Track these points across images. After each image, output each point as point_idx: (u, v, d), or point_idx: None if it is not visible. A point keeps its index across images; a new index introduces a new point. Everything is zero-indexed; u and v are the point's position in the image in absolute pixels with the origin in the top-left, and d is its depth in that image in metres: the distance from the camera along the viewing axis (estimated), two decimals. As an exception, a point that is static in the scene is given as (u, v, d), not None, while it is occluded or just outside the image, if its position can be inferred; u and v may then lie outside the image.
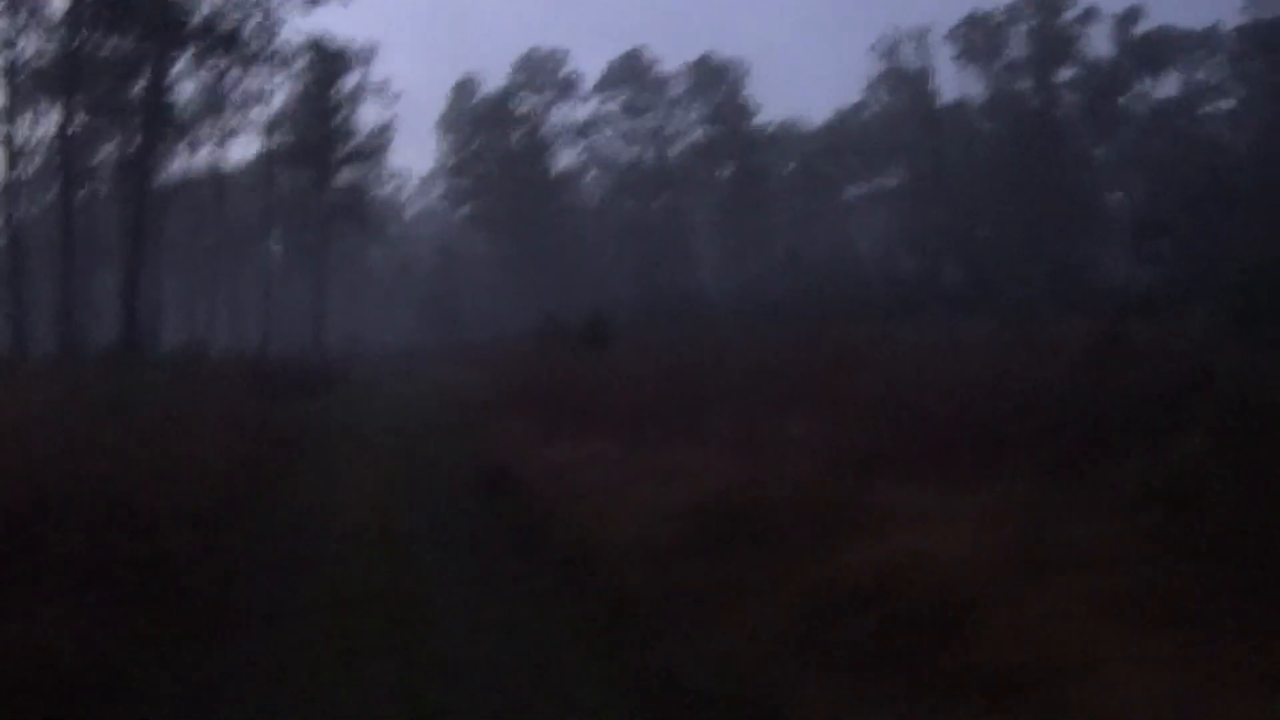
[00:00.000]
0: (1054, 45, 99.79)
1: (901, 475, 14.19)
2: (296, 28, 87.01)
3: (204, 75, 74.89)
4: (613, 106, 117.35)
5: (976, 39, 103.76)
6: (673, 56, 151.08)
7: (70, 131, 58.49)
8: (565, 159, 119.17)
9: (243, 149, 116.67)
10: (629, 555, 13.44)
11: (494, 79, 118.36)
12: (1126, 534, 10.53)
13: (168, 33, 59.32)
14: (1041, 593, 9.48)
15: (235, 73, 77.53)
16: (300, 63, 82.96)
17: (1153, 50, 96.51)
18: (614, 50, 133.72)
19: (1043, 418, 15.12)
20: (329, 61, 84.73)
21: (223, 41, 68.16)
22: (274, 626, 12.34)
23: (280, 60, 79.67)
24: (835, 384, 22.40)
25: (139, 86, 62.04)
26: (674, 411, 22.93)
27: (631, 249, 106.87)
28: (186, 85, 72.94)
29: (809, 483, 14.08)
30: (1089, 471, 12.76)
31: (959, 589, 9.71)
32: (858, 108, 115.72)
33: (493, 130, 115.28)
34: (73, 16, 56.05)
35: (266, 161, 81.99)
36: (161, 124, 63.80)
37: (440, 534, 17.71)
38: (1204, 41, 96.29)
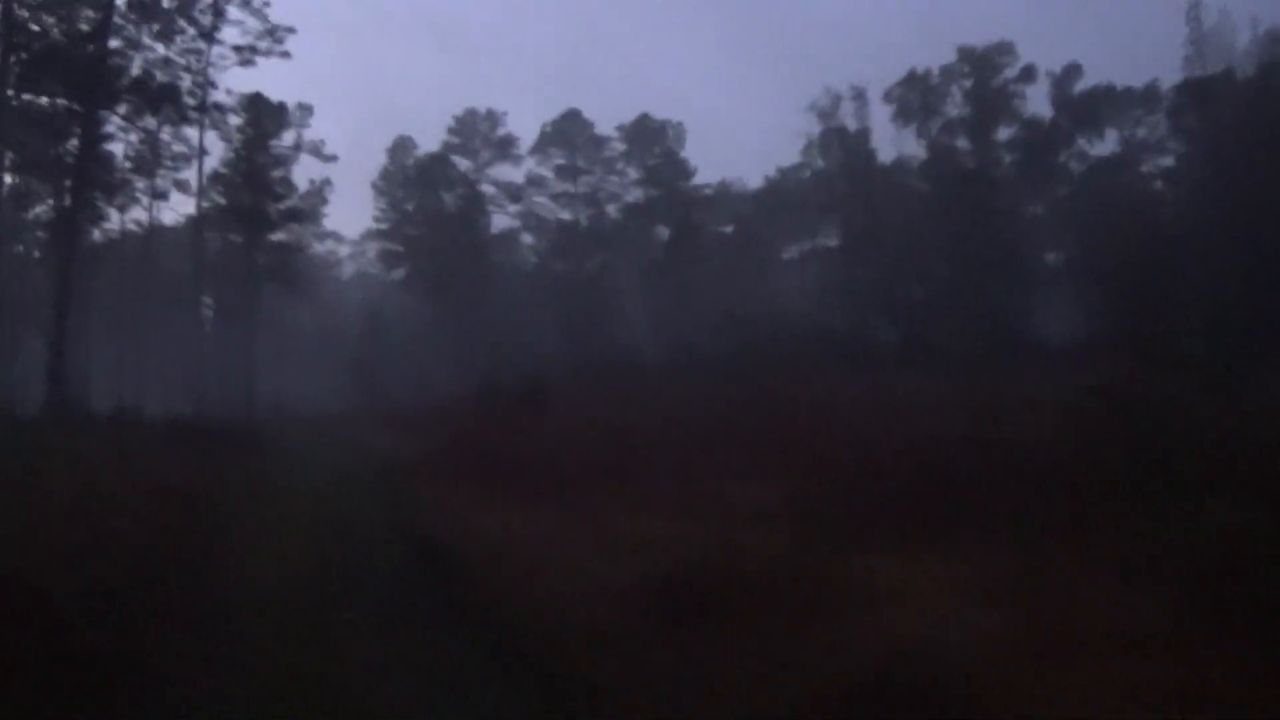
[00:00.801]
0: (991, 104, 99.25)
1: (868, 542, 13.24)
2: (229, 88, 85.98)
3: (135, 135, 74.02)
4: (546, 170, 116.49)
5: (914, 98, 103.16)
6: (607, 120, 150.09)
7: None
8: (500, 221, 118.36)
9: (173, 212, 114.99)
10: (587, 639, 12.32)
11: (428, 142, 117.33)
12: (1148, 611, 9.42)
13: (98, 91, 58.11)
14: (1075, 684, 8.34)
15: (168, 131, 76.65)
16: (236, 120, 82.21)
17: (1091, 108, 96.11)
18: (549, 113, 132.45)
19: (1013, 478, 14.12)
20: (266, 117, 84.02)
21: (155, 99, 67.11)
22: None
23: (216, 116, 78.83)
24: (782, 443, 21.46)
25: (69, 145, 60.78)
26: (617, 474, 21.92)
27: (565, 309, 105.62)
28: (118, 145, 72.07)
29: (775, 553, 13.08)
30: (1075, 537, 11.73)
31: (978, 682, 8.57)
32: (794, 169, 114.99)
33: (427, 191, 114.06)
34: (1, 71, 54.80)
35: (198, 221, 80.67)
36: (90, 183, 62.62)
37: (374, 612, 16.33)
38: (1143, 100, 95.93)
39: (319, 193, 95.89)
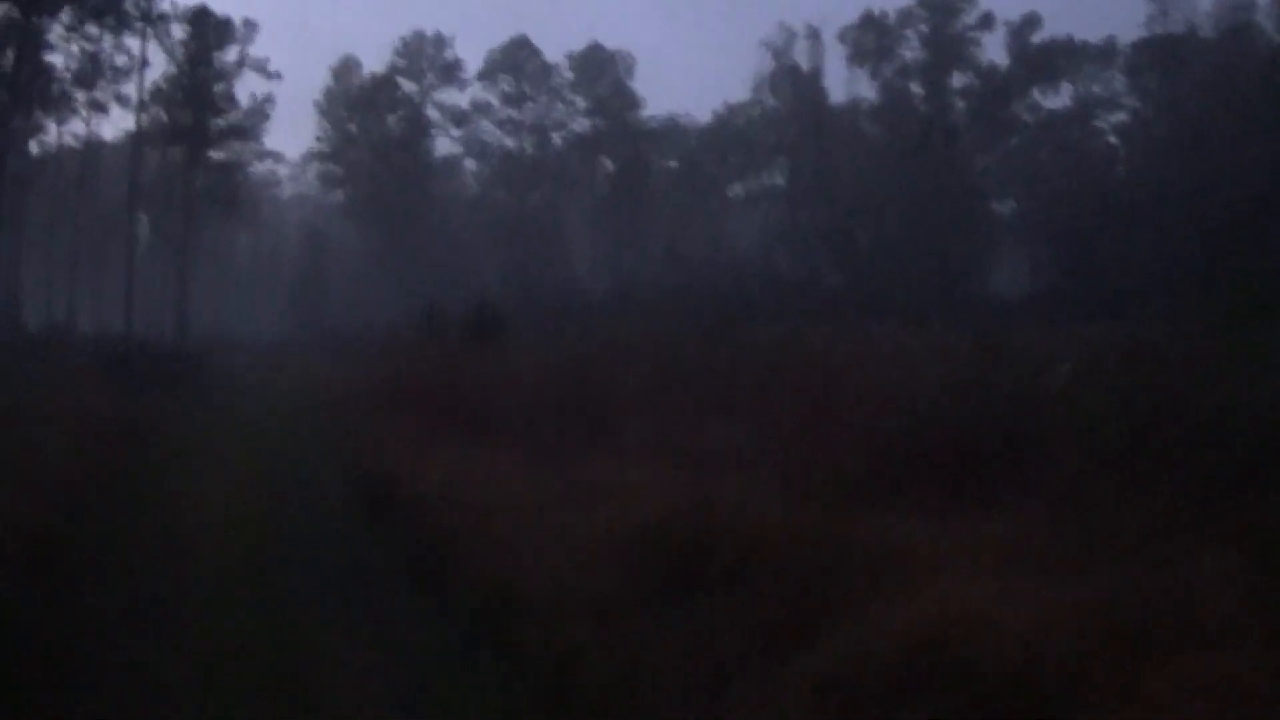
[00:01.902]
0: (947, 50, 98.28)
1: (877, 498, 11.80)
2: (174, 1, 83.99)
3: (75, 46, 72.10)
4: (493, 97, 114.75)
5: (869, 41, 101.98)
6: (556, 49, 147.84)
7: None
8: (443, 147, 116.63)
9: (112, 127, 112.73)
10: (561, 601, 10.75)
11: (373, 64, 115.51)
12: (1216, 592, 8.01)
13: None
14: (1167, 680, 6.91)
15: (108, 42, 74.64)
16: (179, 34, 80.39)
17: (1048, 60, 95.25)
18: (495, 40, 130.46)
19: (1040, 434, 12.71)
20: (211, 31, 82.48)
21: (98, 7, 65.16)
22: (116, 698, 9.67)
23: (159, 27, 76.86)
24: (752, 387, 20.03)
25: (8, 57, 58.82)
26: (576, 413, 20.37)
27: (507, 242, 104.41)
28: (58, 57, 70.25)
29: (768, 507, 11.59)
30: (1124, 501, 10.32)
31: (1049, 673, 7.14)
32: (745, 106, 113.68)
33: (370, 114, 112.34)
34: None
35: (137, 136, 78.73)
36: (27, 93, 60.75)
37: (318, 566, 14.82)
38: (1100, 54, 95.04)
39: (261, 109, 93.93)
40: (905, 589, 8.78)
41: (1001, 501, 11.00)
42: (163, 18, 77.13)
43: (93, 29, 70.81)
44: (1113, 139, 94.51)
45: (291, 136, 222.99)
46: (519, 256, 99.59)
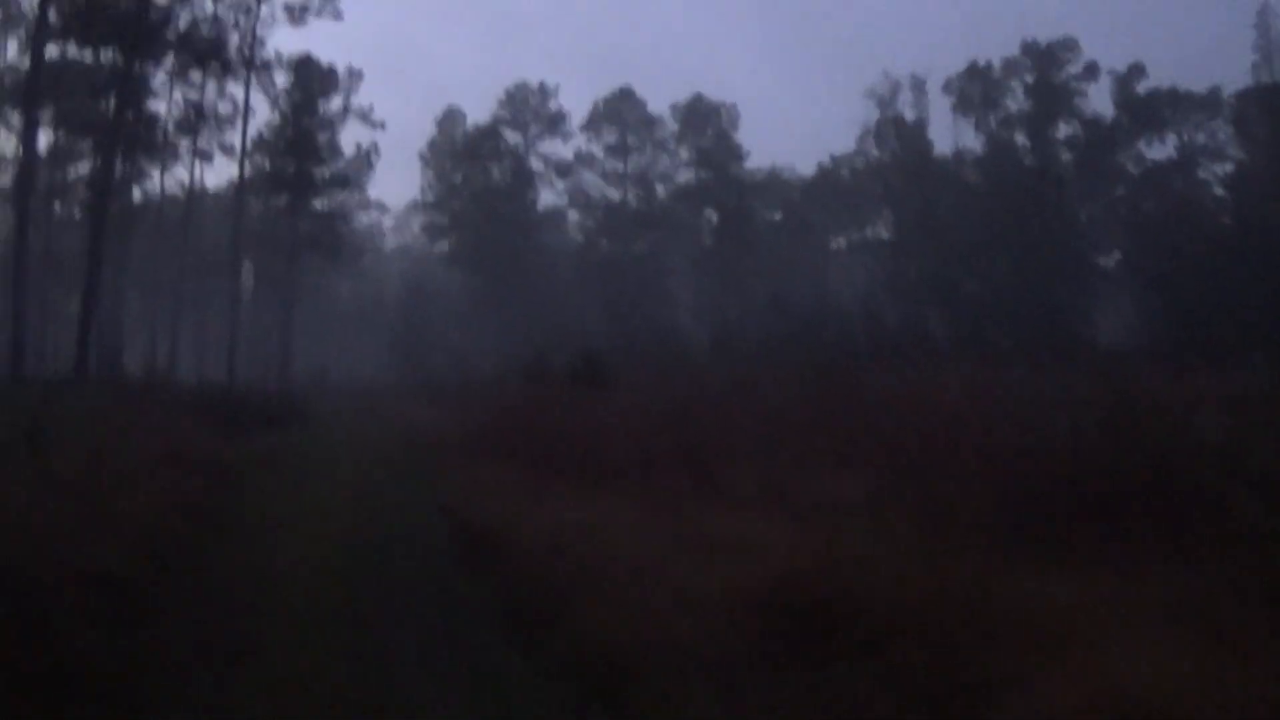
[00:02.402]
0: (1052, 100, 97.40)
1: (1013, 553, 10.85)
2: (277, 50, 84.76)
3: (179, 92, 72.61)
4: (596, 148, 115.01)
5: (974, 91, 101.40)
6: (659, 99, 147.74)
7: (33, 145, 55.42)
8: (547, 198, 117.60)
9: (215, 175, 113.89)
10: (682, 667, 9.78)
11: (477, 115, 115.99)
12: None
13: (141, 43, 56.19)
14: None
15: (213, 90, 75.18)
16: (282, 81, 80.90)
17: (1153, 109, 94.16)
18: (599, 91, 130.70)
19: (1182, 483, 11.75)
20: (315, 79, 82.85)
21: (201, 54, 65.43)
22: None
23: (263, 76, 77.36)
24: (863, 434, 19.10)
25: (112, 101, 59.12)
26: (683, 462, 19.51)
27: (609, 290, 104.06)
28: (162, 104, 70.72)
29: (899, 563, 10.68)
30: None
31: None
32: (848, 157, 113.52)
33: (475, 164, 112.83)
34: (39, 22, 52.95)
35: (241, 184, 79.01)
36: (128, 141, 60.97)
37: (414, 618, 13.73)
38: (1204, 104, 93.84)
39: (365, 158, 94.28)
40: (1071, 660, 7.87)
41: (1154, 558, 10.08)
42: (266, 65, 77.33)
43: (196, 75, 71.08)
44: (1219, 190, 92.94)
45: (394, 186, 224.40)
46: (622, 304, 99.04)
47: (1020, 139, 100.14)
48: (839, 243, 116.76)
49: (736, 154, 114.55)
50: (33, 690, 9.13)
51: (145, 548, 15.26)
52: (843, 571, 10.70)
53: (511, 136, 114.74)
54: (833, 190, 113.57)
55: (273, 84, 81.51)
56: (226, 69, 71.35)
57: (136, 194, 75.42)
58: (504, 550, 16.39)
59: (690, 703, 9.16)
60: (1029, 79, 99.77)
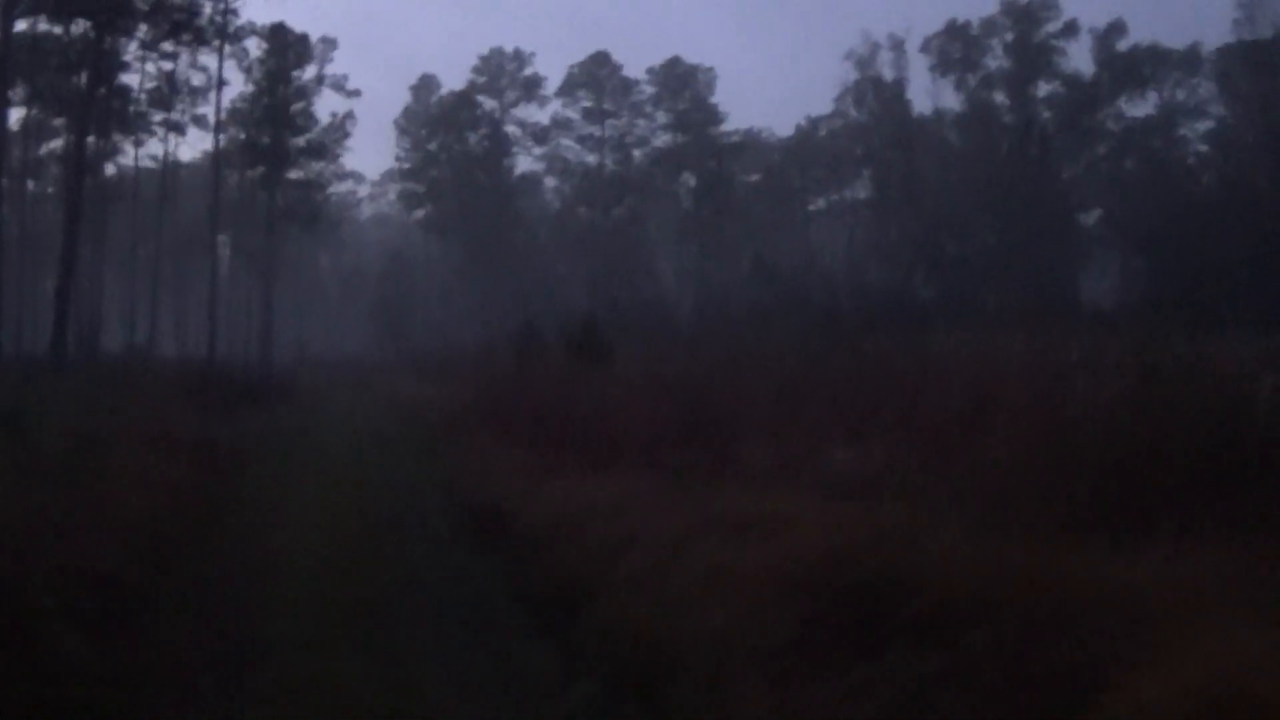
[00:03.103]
0: (1032, 59, 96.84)
1: (1061, 530, 10.14)
2: (250, 21, 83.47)
3: (151, 65, 71.77)
4: (572, 113, 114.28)
5: (953, 50, 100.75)
6: (636, 64, 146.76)
7: (3, 122, 54.54)
8: (524, 164, 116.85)
9: (190, 148, 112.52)
10: (725, 657, 9.02)
11: (451, 83, 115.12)
12: None
13: (112, 16, 55.22)
14: None
15: (185, 61, 74.33)
16: (256, 51, 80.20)
17: (1133, 67, 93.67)
18: (574, 56, 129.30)
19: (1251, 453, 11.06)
20: (289, 48, 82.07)
21: (174, 24, 64.45)
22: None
23: (237, 46, 76.46)
24: (874, 404, 18.41)
25: (84, 76, 58.17)
26: (697, 437, 18.79)
27: (589, 258, 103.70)
28: (134, 77, 69.94)
29: (954, 541, 9.97)
30: None
31: None
32: (827, 118, 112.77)
33: (450, 131, 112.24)
34: (6, -1, 52.06)
35: (216, 156, 78.08)
36: (102, 116, 60.06)
37: (428, 609, 13.04)
38: (1184, 60, 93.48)
39: (340, 127, 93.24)
40: (1164, 647, 7.12)
41: (1224, 535, 9.40)
42: (239, 35, 76.42)
43: (168, 46, 70.12)
44: (1201, 147, 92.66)
45: (370, 158, 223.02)
46: (603, 271, 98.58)
47: (1000, 98, 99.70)
48: (818, 205, 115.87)
49: (714, 117, 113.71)
50: (11, 707, 8.39)
51: (138, 539, 14.32)
52: (888, 550, 9.99)
53: (487, 103, 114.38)
54: (811, 152, 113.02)
55: (246, 54, 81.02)
56: (200, 39, 70.34)
57: (110, 169, 74.58)
58: (518, 533, 15.78)
59: (736, 697, 8.45)
60: (1009, 38, 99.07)
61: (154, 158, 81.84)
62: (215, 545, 16.37)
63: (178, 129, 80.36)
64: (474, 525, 17.54)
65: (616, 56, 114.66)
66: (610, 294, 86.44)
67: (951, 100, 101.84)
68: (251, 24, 79.48)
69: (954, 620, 8.40)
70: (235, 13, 73.40)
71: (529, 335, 42.44)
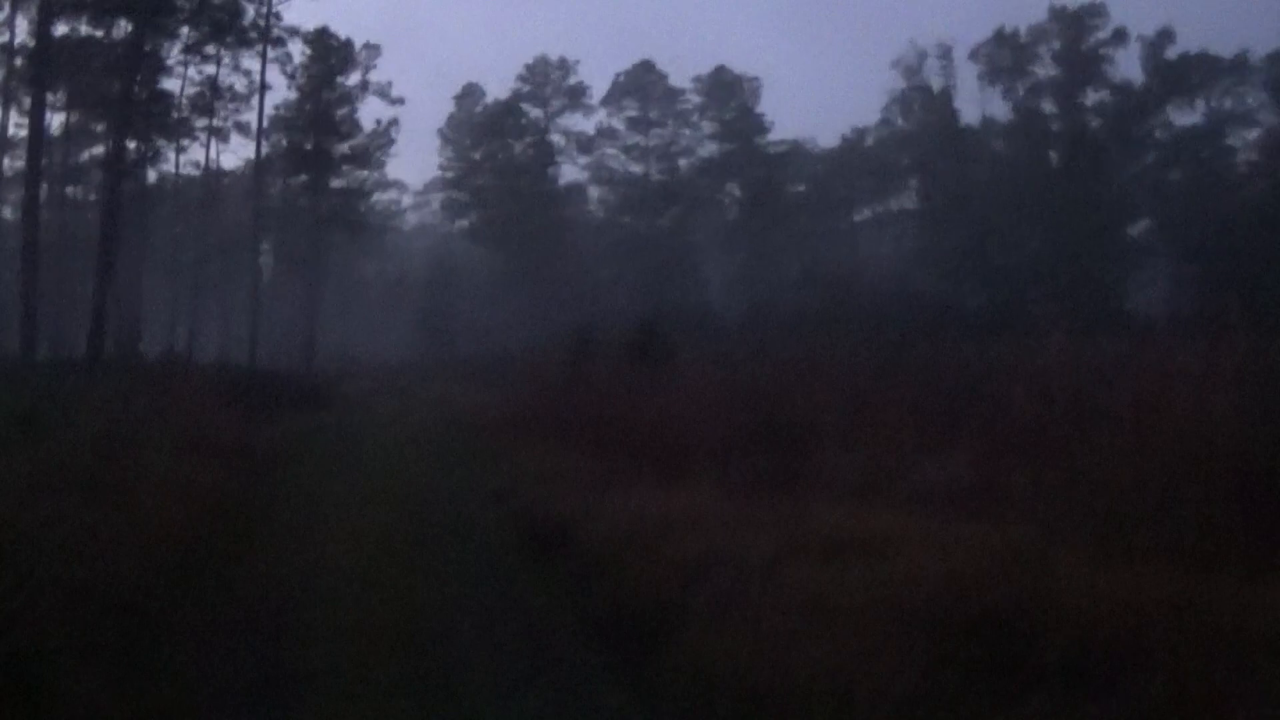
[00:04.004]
0: (1081, 66, 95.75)
1: (1187, 555, 8.99)
2: (294, 25, 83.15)
3: (194, 71, 71.41)
4: (618, 123, 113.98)
5: (1002, 58, 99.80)
6: (681, 73, 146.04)
7: (41, 125, 54.05)
8: (569, 174, 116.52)
9: (232, 155, 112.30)
10: (841, 703, 7.71)
11: (497, 91, 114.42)
12: None
13: (153, 15, 54.56)
14: None
15: (228, 66, 73.87)
16: (299, 56, 79.83)
17: (1182, 75, 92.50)
18: (620, 64, 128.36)
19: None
20: (333, 54, 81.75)
21: (217, 26, 64.08)
22: None
23: (280, 50, 76.08)
24: (968, 413, 17.27)
25: (125, 79, 57.52)
26: (770, 447, 17.57)
27: (635, 265, 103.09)
28: (176, 83, 69.62)
29: (1079, 568, 8.79)
30: None
31: None
32: (873, 128, 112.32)
33: (495, 140, 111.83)
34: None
35: (259, 161, 77.56)
36: (142, 119, 59.40)
37: (484, 635, 11.48)
38: (1233, 68, 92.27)
39: (385, 133, 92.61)
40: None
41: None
42: (282, 40, 75.95)
43: (210, 50, 69.56)
44: (1248, 156, 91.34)
45: (414, 168, 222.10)
46: (649, 279, 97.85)
47: (1048, 107, 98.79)
48: (864, 214, 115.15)
49: (760, 126, 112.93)
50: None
51: (165, 555, 12.86)
52: (1014, 577, 8.80)
53: (532, 112, 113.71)
54: (858, 161, 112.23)
55: (289, 59, 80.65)
56: (242, 42, 69.84)
57: (152, 175, 74.01)
58: (583, 549, 14.27)
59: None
60: (1057, 45, 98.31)
61: (196, 164, 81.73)
62: (251, 562, 14.70)
63: (220, 135, 80.00)
64: (533, 540, 15.98)
65: (662, 65, 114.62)
66: (655, 300, 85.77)
67: (1000, 109, 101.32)
68: (295, 28, 79.11)
69: (1105, 662, 7.27)
70: (278, 16, 73.03)
71: (584, 339, 41.24)
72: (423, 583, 13.81)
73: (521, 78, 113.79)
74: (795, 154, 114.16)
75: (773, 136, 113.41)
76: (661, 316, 58.94)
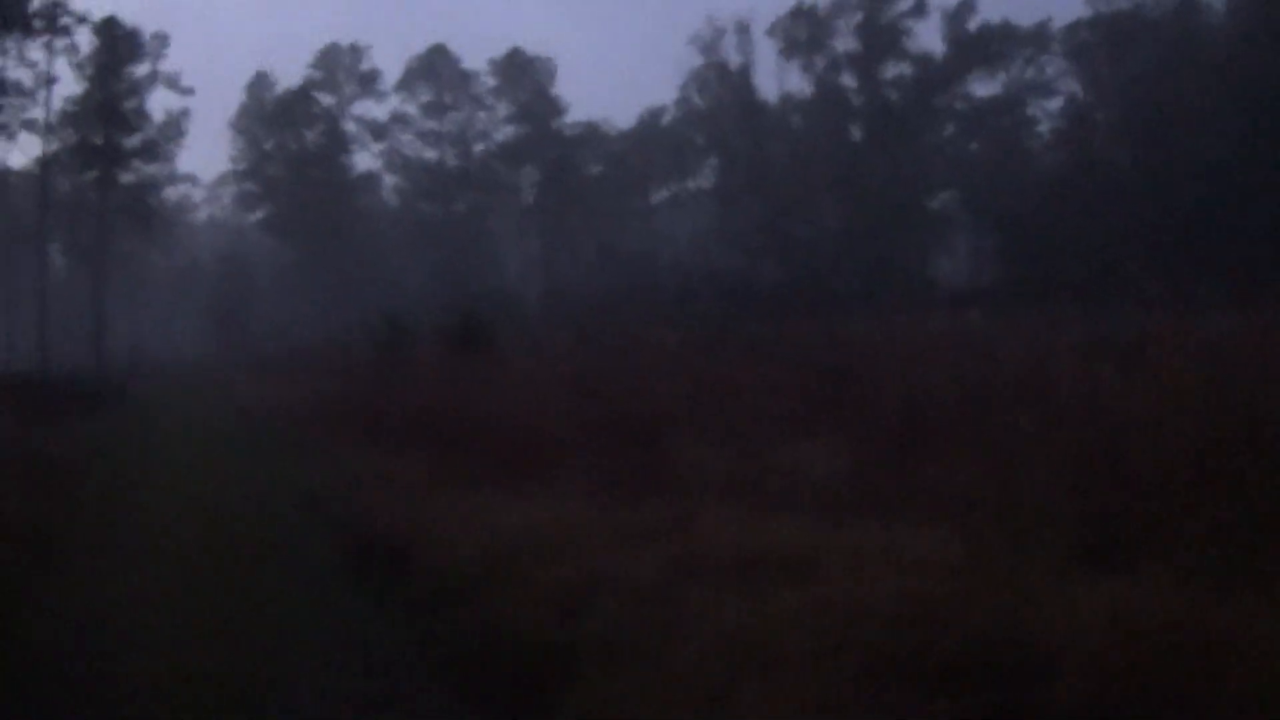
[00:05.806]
0: (881, 39, 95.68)
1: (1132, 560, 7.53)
2: (80, 12, 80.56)
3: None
4: (411, 108, 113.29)
5: (800, 32, 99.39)
6: (476, 56, 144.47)
7: None
8: (363, 161, 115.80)
9: (20, 153, 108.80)
10: None
11: (288, 82, 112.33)
12: None
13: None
14: None
15: (13, 57, 71.18)
16: (87, 47, 77.41)
17: (984, 46, 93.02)
18: (414, 49, 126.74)
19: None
20: (121, 42, 79.46)
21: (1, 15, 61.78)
22: None
23: (67, 39, 73.63)
24: (826, 396, 15.87)
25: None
26: (619, 441, 15.77)
27: (431, 252, 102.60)
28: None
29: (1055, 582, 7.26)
30: None
31: None
32: (672, 106, 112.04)
33: (287, 129, 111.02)
34: None
35: (45, 160, 75.05)
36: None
37: (318, 697, 8.99)
38: (1033, 38, 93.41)
39: (175, 125, 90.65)
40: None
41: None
42: (68, 28, 73.38)
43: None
44: (1050, 124, 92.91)
45: (204, 161, 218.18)
46: (445, 265, 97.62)
47: (849, 81, 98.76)
48: (662, 195, 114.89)
49: (556, 108, 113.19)
50: None
51: None
52: (982, 600, 7.22)
53: (325, 99, 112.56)
54: (654, 142, 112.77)
55: (76, 50, 78.77)
56: (28, 30, 67.27)
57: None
58: (428, 574, 11.96)
59: None
60: (857, 19, 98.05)
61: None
62: (42, 598, 12.40)
63: (7, 132, 77.20)
64: (359, 559, 13.73)
65: (456, 50, 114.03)
66: (451, 285, 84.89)
67: (800, 84, 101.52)
68: (83, 15, 76.73)
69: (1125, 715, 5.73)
70: (64, 4, 70.67)
71: (393, 328, 39.51)
72: (239, 612, 11.33)
73: (313, 65, 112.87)
74: (592, 135, 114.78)
75: (569, 118, 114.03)
76: (464, 302, 57.66)
